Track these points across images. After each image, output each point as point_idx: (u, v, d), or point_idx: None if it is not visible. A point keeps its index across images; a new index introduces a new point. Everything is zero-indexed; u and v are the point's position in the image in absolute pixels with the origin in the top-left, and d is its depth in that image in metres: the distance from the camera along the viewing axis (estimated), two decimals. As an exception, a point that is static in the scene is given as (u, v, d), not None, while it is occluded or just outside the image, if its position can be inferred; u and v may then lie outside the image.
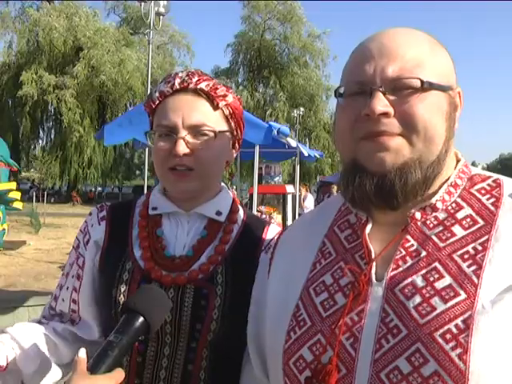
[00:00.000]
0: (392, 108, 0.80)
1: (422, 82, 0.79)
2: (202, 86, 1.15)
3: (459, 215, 0.83)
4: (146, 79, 13.83)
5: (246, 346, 1.12)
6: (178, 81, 1.16)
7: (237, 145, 1.26)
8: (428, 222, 0.84)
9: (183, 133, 1.12)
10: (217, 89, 1.17)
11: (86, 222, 1.30)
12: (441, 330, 0.73)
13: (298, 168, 10.19)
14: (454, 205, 0.85)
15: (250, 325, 1.04)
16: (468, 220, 0.82)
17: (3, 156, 8.93)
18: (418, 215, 0.84)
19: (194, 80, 1.15)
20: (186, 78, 1.16)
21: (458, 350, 0.71)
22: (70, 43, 30.03)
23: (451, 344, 0.72)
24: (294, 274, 0.94)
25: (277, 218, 9.96)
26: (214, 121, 1.16)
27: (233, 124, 1.21)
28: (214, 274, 1.14)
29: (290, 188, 11.44)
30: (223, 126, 1.19)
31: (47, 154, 31.25)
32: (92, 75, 28.99)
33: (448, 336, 0.72)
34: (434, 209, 0.84)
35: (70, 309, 1.25)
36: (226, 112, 1.19)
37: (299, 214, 11.01)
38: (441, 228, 0.83)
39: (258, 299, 1.03)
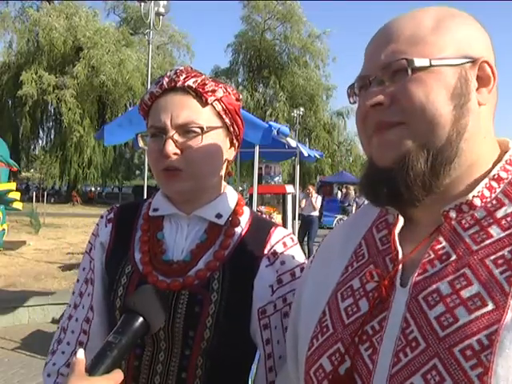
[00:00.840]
0: (386, 96, 0.74)
1: (408, 61, 0.72)
2: (190, 82, 1.12)
3: (499, 214, 0.72)
4: (145, 79, 13.81)
5: (244, 354, 1.09)
6: (166, 80, 1.13)
7: (235, 142, 1.21)
8: (463, 221, 0.74)
9: (171, 132, 1.09)
10: (205, 84, 1.13)
11: (97, 225, 1.29)
12: (461, 346, 0.64)
13: (297, 168, 10.18)
14: (494, 201, 0.74)
15: (289, 329, 0.99)
16: (509, 219, 0.71)
17: (3, 156, 8.93)
18: (452, 214, 0.75)
19: (182, 78, 1.12)
20: (174, 77, 1.13)
21: (479, 370, 0.62)
22: (70, 43, 30.00)
23: (471, 362, 0.62)
24: (327, 278, 0.88)
25: (276, 218, 9.96)
26: (203, 118, 1.12)
27: (227, 120, 1.16)
28: (210, 280, 1.11)
29: (289, 188, 11.43)
30: (215, 123, 1.14)
31: (47, 154, 31.23)
32: (92, 75, 28.97)
33: (468, 352, 0.63)
34: (472, 206, 0.74)
35: (85, 316, 1.22)
36: (218, 108, 1.14)
37: (299, 215, 11.01)
38: (476, 228, 0.72)
39: (296, 304, 0.98)
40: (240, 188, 10.14)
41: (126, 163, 36.95)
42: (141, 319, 0.90)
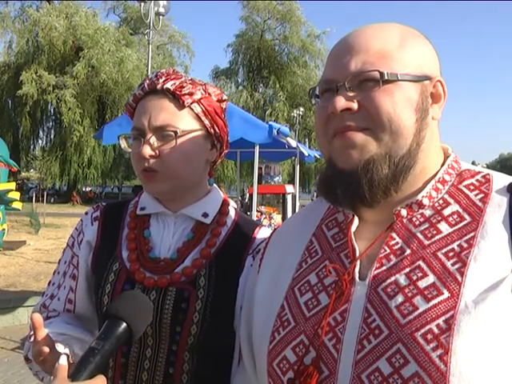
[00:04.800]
0: (356, 103, 0.80)
1: (380, 73, 0.78)
2: (168, 85, 1.14)
3: (446, 212, 0.81)
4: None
5: (231, 349, 1.12)
6: (147, 82, 1.16)
7: (217, 143, 1.22)
8: (414, 219, 0.82)
9: (148, 135, 1.13)
10: (182, 87, 1.15)
11: (81, 220, 1.31)
12: (422, 330, 0.71)
13: (297, 168, 10.17)
14: (441, 201, 0.83)
15: (242, 325, 1.02)
16: (455, 217, 0.80)
17: (3, 156, 8.93)
18: (403, 212, 0.82)
19: (161, 80, 1.15)
20: (155, 79, 1.16)
21: (439, 351, 0.69)
22: (70, 43, 29.96)
23: (432, 345, 0.70)
24: (281, 273, 0.93)
25: (276, 218, 9.97)
26: (180, 121, 1.14)
27: (207, 122, 1.18)
28: (196, 277, 1.13)
29: (289, 188, 11.44)
30: (192, 125, 1.16)
31: (47, 154, 31.20)
32: (92, 75, 28.94)
33: (429, 336, 0.71)
34: (421, 205, 0.82)
35: (64, 308, 1.24)
36: (197, 110, 1.16)
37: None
38: (427, 225, 0.81)
39: (249, 299, 1.02)
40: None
41: (125, 163, 36.86)
42: (124, 325, 0.90)
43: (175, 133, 1.13)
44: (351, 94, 0.80)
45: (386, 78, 0.78)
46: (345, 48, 0.83)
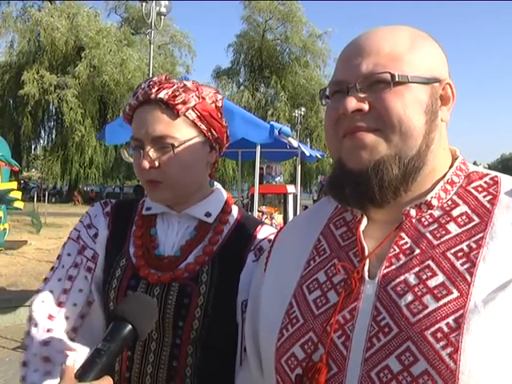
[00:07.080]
0: (367, 104, 0.81)
1: (391, 75, 0.79)
2: (161, 95, 1.14)
3: (455, 213, 0.82)
4: (147, 79, 13.79)
5: (234, 344, 1.13)
6: (140, 92, 1.16)
7: (215, 145, 1.23)
8: (423, 219, 0.83)
9: (147, 147, 1.14)
10: (175, 96, 1.14)
11: (88, 214, 1.32)
12: (432, 329, 0.72)
13: (299, 168, 10.17)
14: (449, 202, 0.84)
15: (247, 323, 1.03)
16: (464, 218, 0.81)
17: (4, 156, 8.95)
18: (412, 212, 0.83)
19: (154, 90, 1.14)
20: (147, 89, 1.15)
21: (449, 349, 0.70)
22: (72, 43, 30.00)
23: (442, 343, 0.71)
24: (288, 272, 0.93)
25: (278, 218, 9.97)
26: (177, 130, 1.15)
27: (203, 126, 1.18)
28: (199, 273, 1.16)
29: (291, 188, 11.44)
30: (189, 133, 1.16)
31: (48, 154, 31.24)
32: (93, 75, 28.97)
33: (439, 335, 0.71)
34: (430, 206, 0.83)
35: (86, 301, 1.24)
36: (192, 117, 1.16)
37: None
38: (436, 225, 0.82)
39: (254, 297, 1.02)
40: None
41: (126, 163, 36.78)
42: (129, 327, 0.91)
43: (172, 145, 1.14)
44: (362, 95, 0.81)
45: (397, 79, 0.79)
46: (356, 50, 0.84)
